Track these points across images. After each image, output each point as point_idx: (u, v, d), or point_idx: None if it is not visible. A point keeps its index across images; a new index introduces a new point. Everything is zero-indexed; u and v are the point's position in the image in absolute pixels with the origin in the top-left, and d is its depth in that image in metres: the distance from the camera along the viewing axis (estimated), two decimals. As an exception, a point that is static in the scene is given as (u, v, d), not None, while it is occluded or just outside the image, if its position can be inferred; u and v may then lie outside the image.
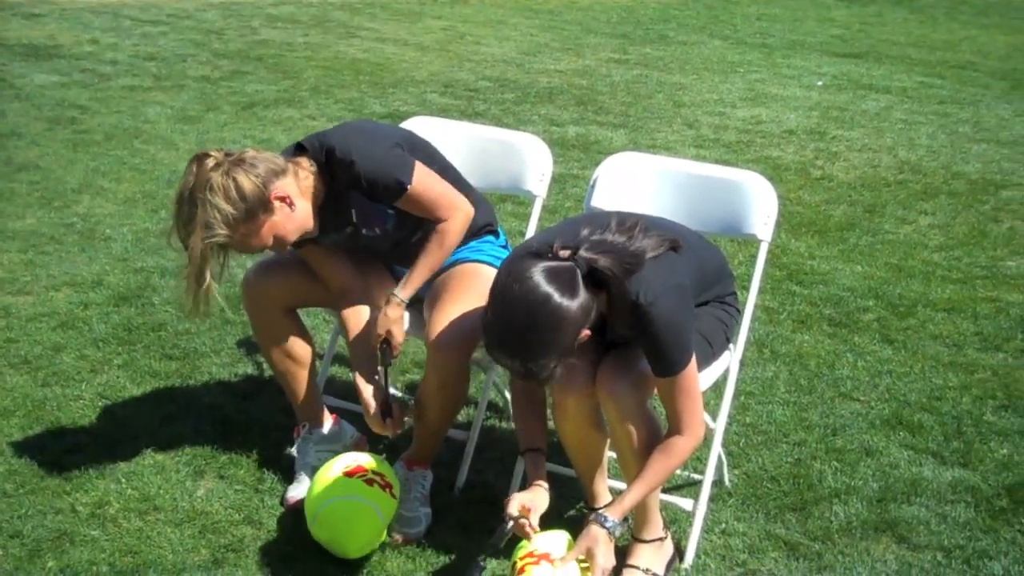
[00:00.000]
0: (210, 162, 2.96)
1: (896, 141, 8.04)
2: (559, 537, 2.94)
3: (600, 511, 2.89)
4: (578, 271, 2.65)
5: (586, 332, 2.69)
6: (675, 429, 2.87)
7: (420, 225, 3.25)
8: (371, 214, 3.24)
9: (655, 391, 2.90)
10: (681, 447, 2.87)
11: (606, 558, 2.84)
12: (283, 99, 8.47)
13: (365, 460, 3.19)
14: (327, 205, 3.20)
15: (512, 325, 2.63)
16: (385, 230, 3.28)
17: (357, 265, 3.36)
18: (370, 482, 3.12)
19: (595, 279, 2.68)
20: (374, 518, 3.10)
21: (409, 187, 3.14)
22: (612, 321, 2.79)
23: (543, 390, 3.07)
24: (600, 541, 2.84)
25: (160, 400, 3.93)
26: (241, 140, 7.27)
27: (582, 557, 2.84)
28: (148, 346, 4.32)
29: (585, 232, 2.76)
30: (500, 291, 2.68)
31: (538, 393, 3.08)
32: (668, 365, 2.79)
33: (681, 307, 2.80)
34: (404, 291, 3.22)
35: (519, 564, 2.85)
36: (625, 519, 2.91)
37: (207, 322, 4.51)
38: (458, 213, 3.22)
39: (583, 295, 2.64)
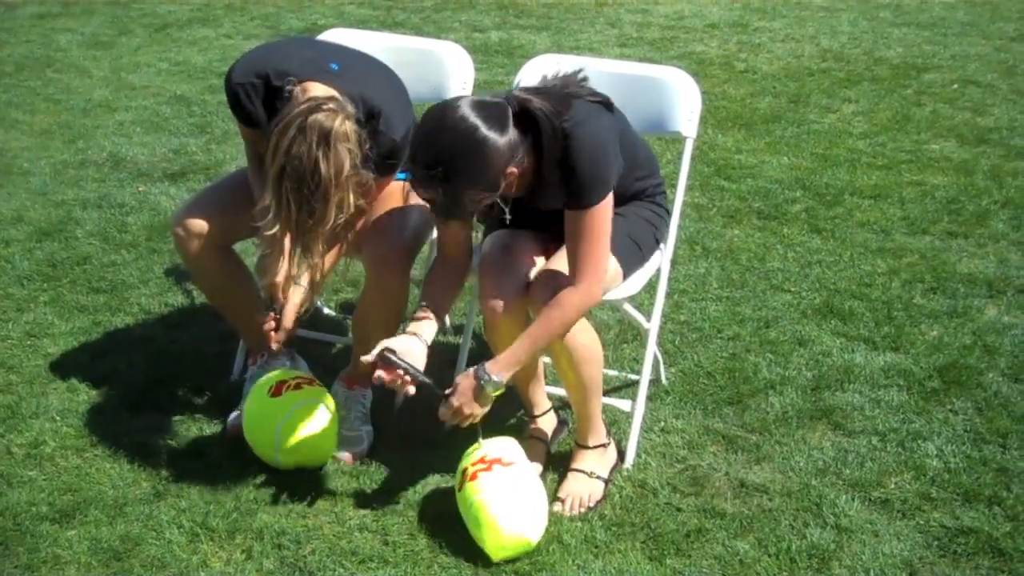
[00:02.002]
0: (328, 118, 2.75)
1: (818, 29, 8.04)
2: (508, 443, 2.97)
3: (482, 364, 2.83)
4: (508, 109, 2.70)
5: (512, 170, 2.70)
6: (570, 276, 2.81)
7: None
8: None
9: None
10: (572, 300, 2.78)
11: (465, 398, 2.80)
12: (197, 19, 8.26)
13: (277, 379, 3.20)
14: None
15: (439, 150, 2.64)
16: None
17: None
18: (298, 387, 3.16)
19: (526, 121, 2.71)
20: (328, 412, 3.16)
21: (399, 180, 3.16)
22: (542, 166, 2.79)
23: (465, 262, 3.03)
24: (467, 380, 2.80)
25: (90, 335, 3.87)
26: (156, 63, 7.10)
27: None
28: (74, 281, 4.24)
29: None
30: (430, 118, 2.70)
31: (459, 263, 3.03)
32: (581, 195, 2.76)
33: (605, 141, 2.79)
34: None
35: (470, 470, 2.87)
36: (513, 389, 2.90)
37: (133, 252, 4.44)
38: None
39: (511, 132, 2.69)
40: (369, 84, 3.04)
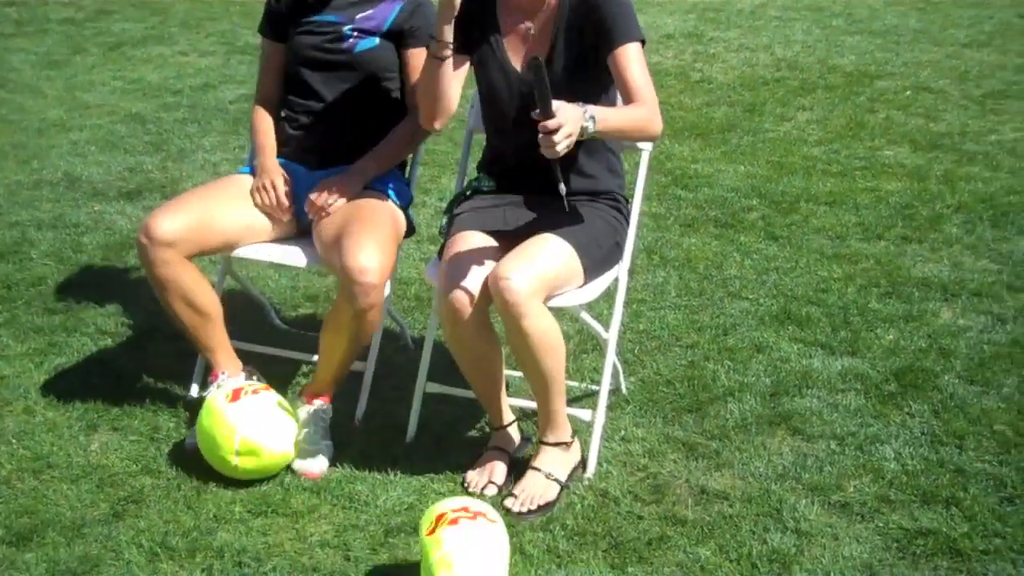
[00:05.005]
0: None
1: (772, 39, 8.11)
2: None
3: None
4: None
5: None
6: (637, 104, 2.94)
7: (358, 113, 3.38)
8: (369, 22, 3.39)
9: (551, 291, 2.93)
10: (648, 111, 2.94)
11: (569, 117, 2.71)
12: (152, 36, 8.23)
13: (232, 386, 3.21)
14: None
15: None
16: (357, 56, 3.39)
17: None
18: (255, 392, 3.18)
19: None
20: (286, 415, 3.20)
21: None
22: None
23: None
24: (577, 110, 2.76)
25: (46, 356, 3.83)
26: (111, 82, 7.06)
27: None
28: (29, 302, 4.20)
29: None
30: None
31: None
32: (624, 29, 2.95)
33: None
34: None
35: (450, 513, 2.68)
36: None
37: (88, 272, 4.41)
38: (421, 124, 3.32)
39: None
40: None
